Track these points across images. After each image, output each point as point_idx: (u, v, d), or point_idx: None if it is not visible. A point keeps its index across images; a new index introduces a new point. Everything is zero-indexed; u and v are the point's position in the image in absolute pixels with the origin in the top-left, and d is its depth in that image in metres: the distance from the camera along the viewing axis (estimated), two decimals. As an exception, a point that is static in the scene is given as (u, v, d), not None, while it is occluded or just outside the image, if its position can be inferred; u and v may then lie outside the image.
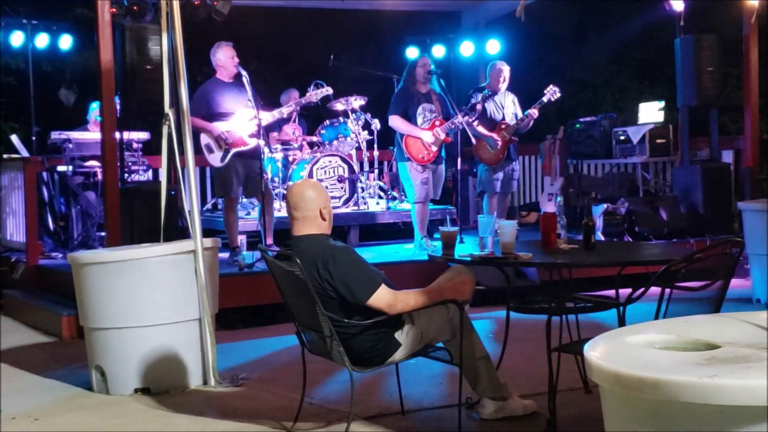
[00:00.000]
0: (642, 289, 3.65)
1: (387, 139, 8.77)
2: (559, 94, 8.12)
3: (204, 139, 7.24)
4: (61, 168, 8.41)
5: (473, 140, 7.98)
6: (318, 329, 3.94)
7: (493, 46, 10.65)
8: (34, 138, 10.11)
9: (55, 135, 8.49)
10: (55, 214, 8.48)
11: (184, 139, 5.40)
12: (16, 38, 10.34)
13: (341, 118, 9.02)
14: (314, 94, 8.05)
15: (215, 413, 4.58)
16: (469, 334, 4.12)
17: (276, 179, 8.56)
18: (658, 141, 9.49)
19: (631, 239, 8.32)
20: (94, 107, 8.72)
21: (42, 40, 10.47)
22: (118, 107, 6.98)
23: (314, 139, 8.98)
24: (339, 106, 9.01)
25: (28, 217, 8.04)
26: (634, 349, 2.43)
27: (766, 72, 10.41)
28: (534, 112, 8.07)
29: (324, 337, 3.93)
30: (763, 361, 2.19)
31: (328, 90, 8.16)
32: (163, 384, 5.02)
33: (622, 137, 9.73)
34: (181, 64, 5.38)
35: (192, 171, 5.44)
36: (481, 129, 8.03)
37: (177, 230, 6.36)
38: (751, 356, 2.27)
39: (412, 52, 10.92)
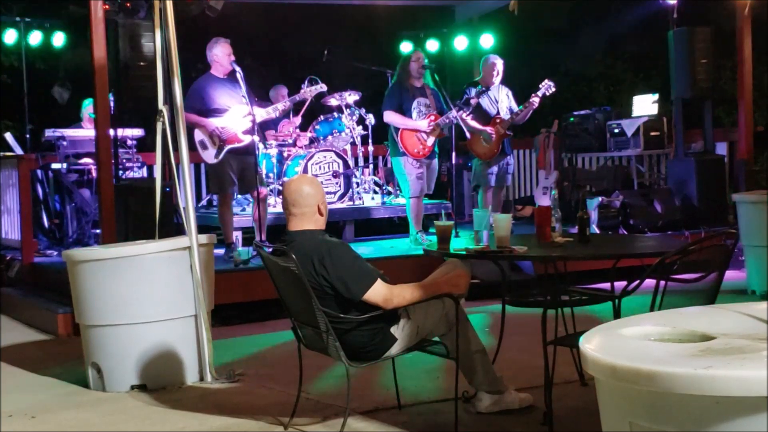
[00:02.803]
0: (637, 282, 3.65)
1: (382, 134, 8.77)
2: (553, 89, 8.10)
3: (198, 135, 7.23)
4: (55, 165, 8.40)
5: (468, 135, 7.98)
6: (314, 324, 3.94)
7: (487, 40, 10.65)
8: (28, 136, 10.10)
9: (49, 132, 8.48)
10: (50, 212, 8.47)
11: (179, 136, 5.39)
12: (10, 36, 10.34)
13: (336, 114, 9.01)
14: (308, 92, 8.01)
15: (212, 409, 4.58)
16: (465, 327, 4.12)
17: (271, 175, 8.55)
18: (653, 133, 9.50)
19: (626, 232, 8.34)
20: (88, 105, 8.70)
21: (35, 38, 10.47)
22: (112, 104, 6.98)
23: (308, 134, 8.97)
24: (333, 101, 9.00)
25: (23, 214, 8.02)
26: (630, 341, 2.43)
27: (760, 64, 10.43)
28: (534, 100, 7.97)
29: (320, 332, 3.93)
30: (759, 351, 2.20)
31: (321, 87, 8.13)
32: (159, 381, 5.02)
33: (616, 130, 9.74)
34: (174, 60, 5.37)
35: (186, 167, 5.45)
36: (474, 123, 8.02)
37: (172, 227, 6.35)
38: (746, 347, 2.27)
39: (405, 47, 10.93)
